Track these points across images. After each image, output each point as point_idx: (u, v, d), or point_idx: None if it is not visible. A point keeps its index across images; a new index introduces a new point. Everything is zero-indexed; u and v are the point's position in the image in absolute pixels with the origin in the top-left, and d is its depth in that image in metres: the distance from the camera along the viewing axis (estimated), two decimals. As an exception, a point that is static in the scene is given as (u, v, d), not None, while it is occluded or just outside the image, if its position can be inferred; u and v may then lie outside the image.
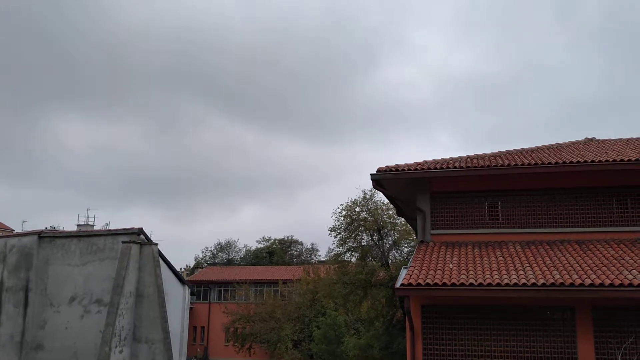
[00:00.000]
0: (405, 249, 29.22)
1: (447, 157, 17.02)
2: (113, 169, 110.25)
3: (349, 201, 29.07)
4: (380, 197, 27.88)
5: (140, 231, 20.23)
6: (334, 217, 29.36)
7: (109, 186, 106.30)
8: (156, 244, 20.51)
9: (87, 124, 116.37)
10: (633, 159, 14.53)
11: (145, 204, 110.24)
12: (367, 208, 28.53)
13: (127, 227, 20.60)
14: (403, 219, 24.46)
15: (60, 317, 19.92)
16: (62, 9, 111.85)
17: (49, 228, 46.14)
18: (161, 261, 21.09)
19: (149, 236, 21.30)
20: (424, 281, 12.49)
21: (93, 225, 43.21)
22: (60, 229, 47.21)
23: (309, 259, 72.06)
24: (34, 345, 19.97)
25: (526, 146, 18.24)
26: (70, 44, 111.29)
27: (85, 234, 21.47)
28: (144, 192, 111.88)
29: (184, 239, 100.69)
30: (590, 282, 11.76)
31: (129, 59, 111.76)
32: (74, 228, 41.16)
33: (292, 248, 76.00)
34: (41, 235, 21.13)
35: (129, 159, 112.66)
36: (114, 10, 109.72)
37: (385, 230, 28.46)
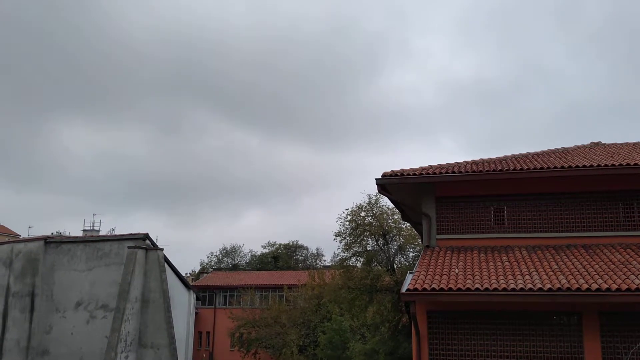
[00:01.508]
0: (411, 254, 29.16)
1: (450, 161, 17.01)
2: (118, 174, 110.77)
3: (354, 206, 29.05)
4: (385, 201, 27.88)
5: (145, 236, 20.27)
6: (339, 222, 29.32)
7: (114, 191, 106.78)
8: (162, 249, 20.55)
9: (92, 130, 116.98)
10: (639, 163, 14.47)
11: (150, 209, 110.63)
12: (373, 213, 28.48)
13: (133, 232, 20.65)
14: (408, 224, 24.42)
15: (66, 323, 19.97)
16: (67, 16, 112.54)
17: (55, 233, 46.26)
18: (166, 266, 21.11)
19: (155, 241, 21.34)
20: (430, 286, 12.45)
21: (99, 231, 43.30)
22: (67, 234, 47.33)
23: (314, 264, 71.94)
24: (40, 350, 20.01)
25: (529, 150, 18.19)
26: (74, 50, 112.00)
27: (91, 240, 21.53)
28: (149, 197, 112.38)
29: (189, 244, 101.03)
30: (597, 287, 11.71)
31: (132, 65, 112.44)
32: (80, 233, 41.28)
33: (297, 253, 75.93)
34: (47, 241, 21.20)
35: (134, 164, 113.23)
36: (118, 17, 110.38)
37: (391, 235, 28.40)
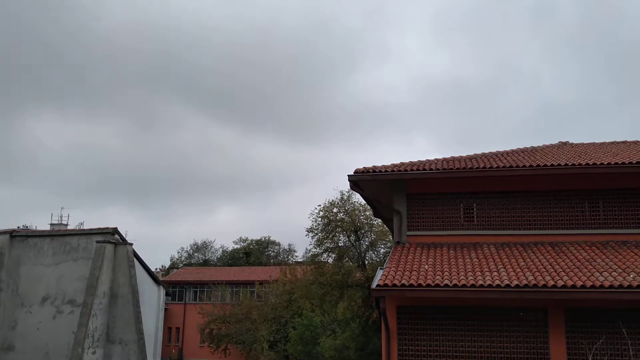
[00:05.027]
0: (382, 250, 29.34)
1: (423, 159, 17.16)
2: (89, 168, 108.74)
3: (327, 202, 29.18)
4: (357, 198, 27.99)
5: (114, 231, 20.04)
6: (311, 218, 29.43)
7: (85, 185, 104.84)
8: (131, 244, 20.34)
9: (65, 123, 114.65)
10: (605, 163, 14.79)
11: (122, 204, 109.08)
12: (345, 209, 28.60)
13: (102, 226, 20.40)
14: (380, 220, 24.57)
15: (32, 318, 19.63)
16: (42, 6, 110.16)
17: (21, 227, 45.32)
18: (136, 261, 20.92)
19: (124, 236, 21.11)
20: (400, 282, 12.56)
21: (67, 225, 42.52)
22: (33, 228, 46.43)
23: (286, 259, 71.92)
24: (5, 346, 19.65)
25: (501, 149, 18.46)
26: (49, 40, 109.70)
27: (58, 234, 21.20)
28: (121, 192, 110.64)
29: (159, 239, 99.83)
30: (563, 283, 11.95)
31: (108, 57, 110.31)
32: (48, 227, 40.53)
33: (269, 249, 75.81)
34: (13, 235, 20.81)
35: (106, 158, 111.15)
36: (94, 7, 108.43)
37: (362, 231, 28.55)
